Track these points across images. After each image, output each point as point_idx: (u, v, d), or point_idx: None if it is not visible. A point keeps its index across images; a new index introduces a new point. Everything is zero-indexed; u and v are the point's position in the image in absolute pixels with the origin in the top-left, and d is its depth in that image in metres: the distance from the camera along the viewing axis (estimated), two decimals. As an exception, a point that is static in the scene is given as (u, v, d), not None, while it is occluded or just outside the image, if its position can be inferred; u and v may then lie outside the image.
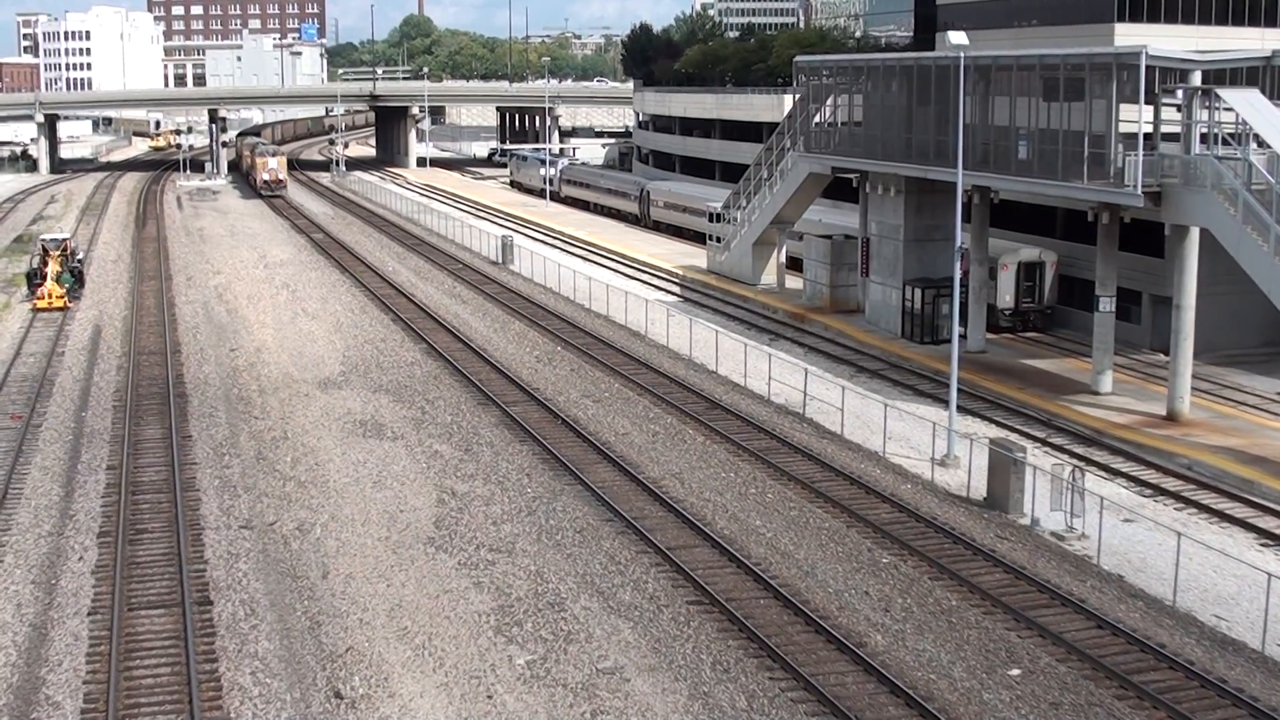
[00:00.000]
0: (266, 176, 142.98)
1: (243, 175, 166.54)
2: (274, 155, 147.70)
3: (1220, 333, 58.17)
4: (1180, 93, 49.85)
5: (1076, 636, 31.68)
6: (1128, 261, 56.77)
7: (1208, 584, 35.14)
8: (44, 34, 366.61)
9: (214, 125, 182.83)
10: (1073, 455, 45.94)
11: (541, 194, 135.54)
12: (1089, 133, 50.79)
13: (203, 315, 72.73)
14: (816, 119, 71.33)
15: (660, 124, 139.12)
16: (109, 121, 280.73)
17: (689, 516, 39.73)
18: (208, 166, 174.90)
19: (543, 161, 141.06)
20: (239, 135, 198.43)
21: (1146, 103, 48.95)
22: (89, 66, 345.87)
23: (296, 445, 47.93)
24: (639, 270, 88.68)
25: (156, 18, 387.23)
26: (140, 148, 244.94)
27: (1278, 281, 44.43)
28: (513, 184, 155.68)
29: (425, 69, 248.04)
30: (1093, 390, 53.24)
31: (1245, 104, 48.55)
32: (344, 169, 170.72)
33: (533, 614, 33.37)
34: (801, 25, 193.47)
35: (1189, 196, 47.97)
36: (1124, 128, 49.79)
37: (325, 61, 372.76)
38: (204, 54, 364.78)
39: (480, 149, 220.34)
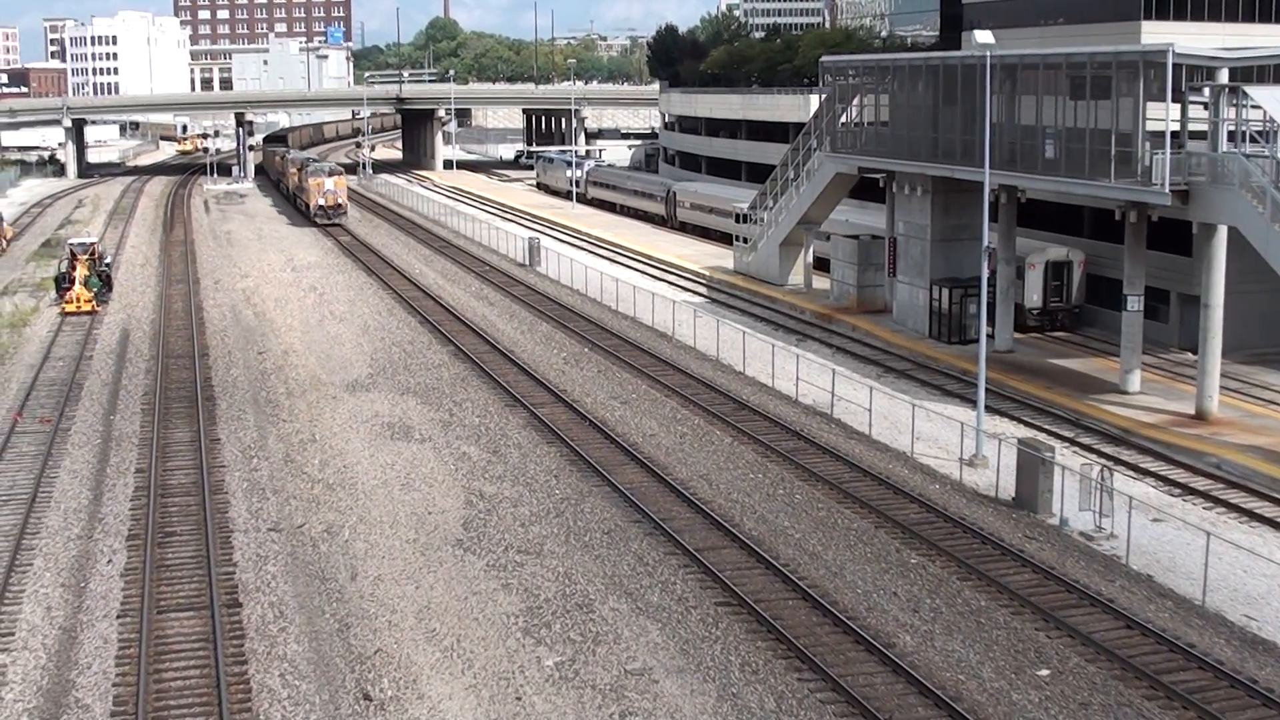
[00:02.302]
0: (323, 201, 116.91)
1: (284, 196, 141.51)
2: (331, 175, 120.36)
3: (1249, 331, 57.90)
4: (1207, 90, 49.70)
5: (1105, 636, 31.58)
6: (1155, 260, 56.57)
7: (1237, 583, 35.01)
8: (71, 39, 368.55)
9: (240, 129, 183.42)
10: (1101, 455, 45.80)
11: (568, 196, 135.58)
12: (1116, 131, 50.64)
13: (230, 318, 72.93)
14: (843, 119, 71.27)
15: (686, 125, 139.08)
16: (136, 126, 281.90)
17: (717, 518, 39.71)
18: (234, 170, 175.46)
19: (569, 163, 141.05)
20: (265, 140, 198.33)
21: (1173, 101, 48.81)
22: (116, 71, 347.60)
23: (325, 447, 48.05)
24: (666, 271, 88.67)
25: (183, 22, 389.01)
26: (167, 152, 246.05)
27: (1307, 279, 44.28)
28: (539, 186, 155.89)
29: (451, 72, 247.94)
30: (1121, 389, 53.08)
31: (1273, 101, 48.39)
32: (370, 172, 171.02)
33: (561, 615, 33.39)
34: (827, 25, 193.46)
35: (1217, 195, 47.79)
36: (1151, 126, 49.65)
37: (351, 65, 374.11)
38: (230, 58, 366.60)
39: (506, 151, 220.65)
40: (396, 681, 29.96)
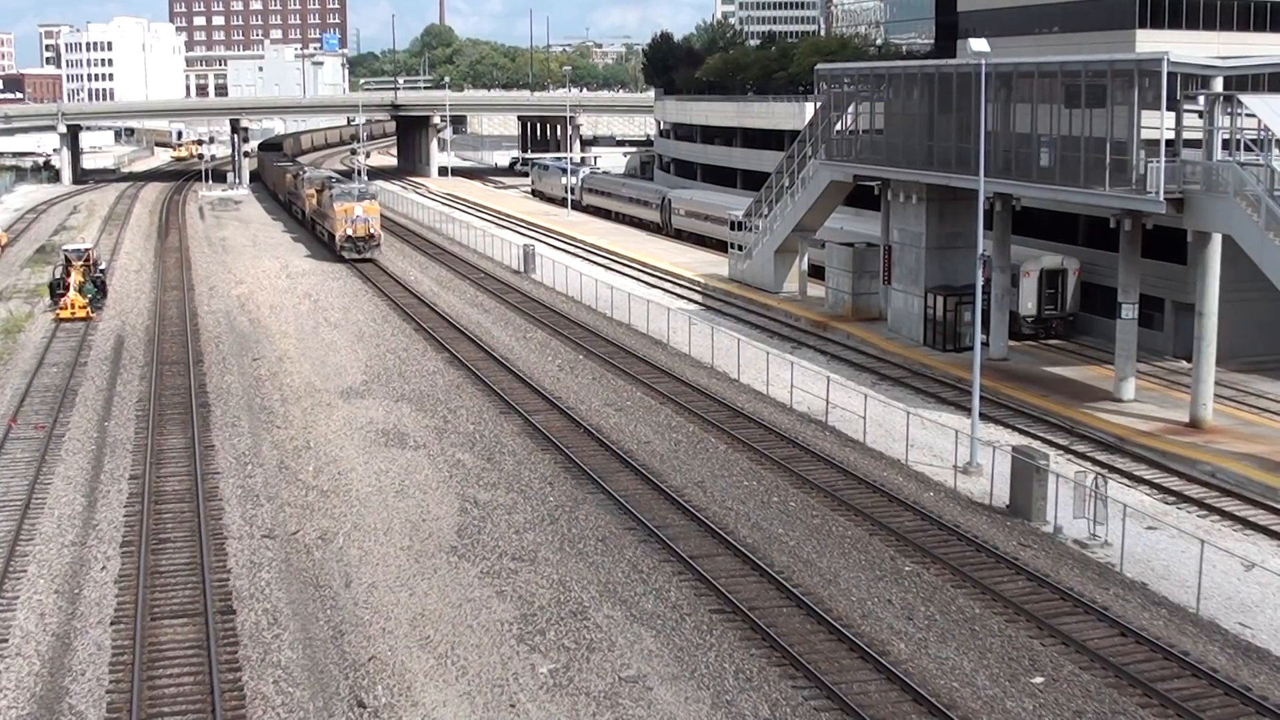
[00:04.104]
0: (351, 231, 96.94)
1: (298, 220, 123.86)
2: (360, 199, 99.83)
3: (1243, 339, 57.97)
4: (1202, 99, 49.75)
5: (1100, 644, 31.61)
6: (1150, 268, 56.62)
7: (1231, 591, 35.04)
8: (66, 45, 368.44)
9: (236, 135, 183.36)
10: (1095, 463, 45.84)
11: (563, 203, 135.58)
12: (1111, 139, 50.70)
13: (225, 325, 72.90)
14: (838, 127, 71.30)
15: (681, 132, 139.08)
16: (131, 132, 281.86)
17: (711, 525, 39.72)
18: (230, 176, 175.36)
19: (564, 170, 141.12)
20: (260, 147, 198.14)
21: (1168, 109, 48.87)
22: (111, 77, 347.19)
23: (319, 454, 48.03)
24: (661, 279, 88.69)
25: (178, 28, 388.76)
26: (162, 158, 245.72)
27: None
28: (534, 193, 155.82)
29: (446, 78, 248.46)
30: (1115, 397, 53.12)
31: (1267, 109, 48.40)
32: (366, 179, 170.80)
33: (555, 623, 33.38)
34: (822, 33, 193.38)
35: (1211, 203, 47.85)
36: (1146, 134, 49.72)
37: (347, 71, 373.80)
38: (225, 64, 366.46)
39: (502, 158, 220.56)
40: (390, 689, 29.95)
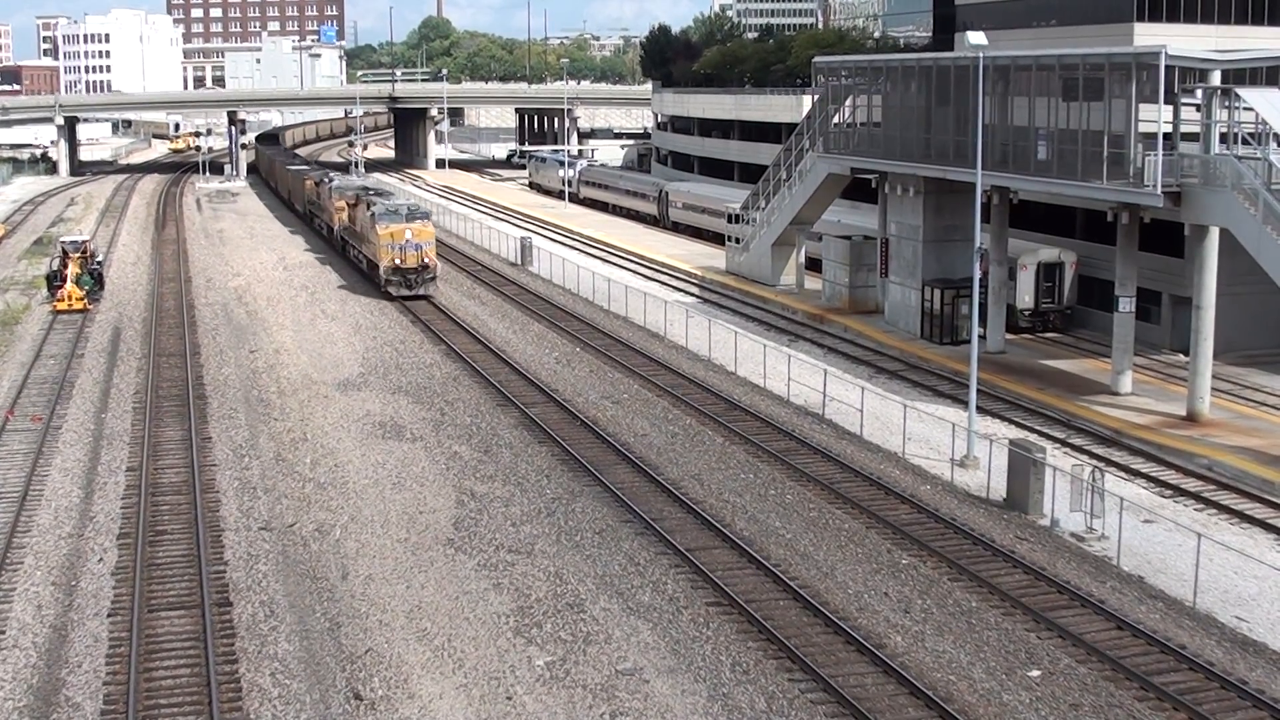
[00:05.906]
0: (399, 260, 77.65)
1: (321, 237, 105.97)
2: (411, 220, 78.96)
3: (1240, 333, 58.02)
4: (1200, 92, 49.76)
5: (1096, 637, 31.62)
6: (1147, 262, 56.64)
7: (1228, 585, 35.05)
8: (63, 37, 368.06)
9: (233, 127, 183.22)
10: (1092, 456, 45.84)
11: (560, 195, 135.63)
12: (1108, 133, 50.70)
13: (222, 317, 72.85)
14: (835, 119, 71.32)
15: (679, 125, 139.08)
16: (128, 124, 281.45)
17: (708, 518, 39.72)
18: (227, 169, 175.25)
19: (561, 163, 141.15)
20: (258, 139, 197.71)
21: (1166, 102, 48.87)
22: (108, 69, 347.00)
23: (316, 447, 48.00)
24: (658, 271, 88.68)
25: (175, 20, 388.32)
26: (159, 150, 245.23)
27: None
28: (531, 185, 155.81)
29: (444, 71, 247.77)
30: (1112, 391, 53.13)
31: (1265, 103, 48.43)
32: (363, 171, 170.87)
33: (552, 615, 33.38)
34: (820, 26, 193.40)
35: (1209, 196, 47.85)
36: (1143, 128, 49.72)
37: (344, 64, 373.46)
38: (223, 56, 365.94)
39: (499, 150, 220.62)
40: (387, 681, 29.95)
